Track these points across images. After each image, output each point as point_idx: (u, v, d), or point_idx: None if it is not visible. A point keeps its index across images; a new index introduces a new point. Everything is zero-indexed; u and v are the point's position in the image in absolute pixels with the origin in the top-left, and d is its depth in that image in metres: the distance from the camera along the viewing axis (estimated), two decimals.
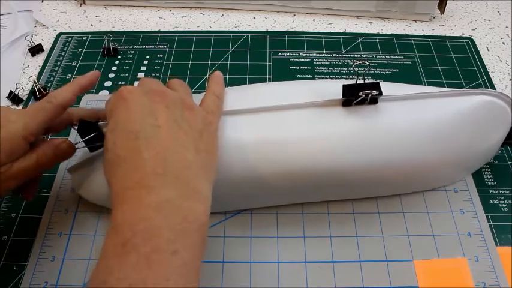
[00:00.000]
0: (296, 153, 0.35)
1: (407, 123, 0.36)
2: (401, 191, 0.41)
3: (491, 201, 0.42)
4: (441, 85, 0.52)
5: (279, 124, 0.36)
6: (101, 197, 0.39)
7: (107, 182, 0.28)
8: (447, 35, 0.59)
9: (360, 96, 0.35)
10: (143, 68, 0.54)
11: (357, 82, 0.36)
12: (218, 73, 0.38)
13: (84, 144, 0.36)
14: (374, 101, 0.36)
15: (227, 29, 0.60)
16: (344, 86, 0.36)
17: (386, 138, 0.36)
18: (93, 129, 0.35)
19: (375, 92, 0.35)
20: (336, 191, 0.39)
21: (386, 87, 0.36)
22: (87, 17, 0.62)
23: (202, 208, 0.27)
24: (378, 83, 0.36)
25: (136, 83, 0.52)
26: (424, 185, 0.41)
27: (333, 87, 0.37)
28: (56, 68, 0.55)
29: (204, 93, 0.36)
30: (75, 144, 0.36)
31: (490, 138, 0.40)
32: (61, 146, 0.34)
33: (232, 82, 0.52)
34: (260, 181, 0.36)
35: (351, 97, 0.36)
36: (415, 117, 0.37)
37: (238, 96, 0.38)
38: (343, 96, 0.36)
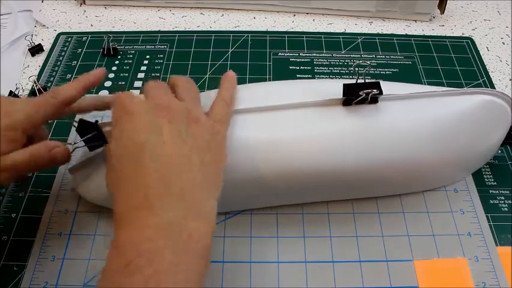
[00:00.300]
0: (296, 152, 0.35)
1: (407, 122, 0.37)
2: (402, 191, 0.41)
3: (491, 201, 0.42)
4: (441, 85, 0.52)
5: (279, 123, 0.36)
6: (101, 197, 0.39)
7: (109, 193, 0.28)
8: (447, 35, 0.59)
9: (361, 95, 0.35)
10: (143, 68, 0.54)
11: (357, 82, 0.36)
12: (231, 74, 0.38)
13: (83, 144, 0.36)
14: (374, 100, 0.36)
15: (227, 29, 0.60)
16: (344, 85, 0.36)
17: (387, 138, 0.36)
18: (92, 129, 0.35)
19: (375, 91, 0.35)
20: (337, 190, 0.39)
21: (387, 87, 0.36)
22: (87, 17, 0.62)
23: (206, 228, 0.27)
24: (378, 82, 0.36)
25: (138, 84, 0.52)
26: (424, 184, 0.41)
27: (333, 87, 0.37)
28: (56, 68, 0.55)
29: (212, 90, 0.36)
30: (74, 143, 0.36)
31: (490, 138, 0.40)
32: (55, 151, 0.33)
33: None
34: (260, 181, 0.36)
35: (352, 96, 0.36)
36: (415, 117, 0.37)
37: (239, 96, 0.38)
38: (343, 96, 0.36)
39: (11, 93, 0.51)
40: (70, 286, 0.36)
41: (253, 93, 0.38)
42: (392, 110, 0.37)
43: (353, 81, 0.36)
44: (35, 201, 0.42)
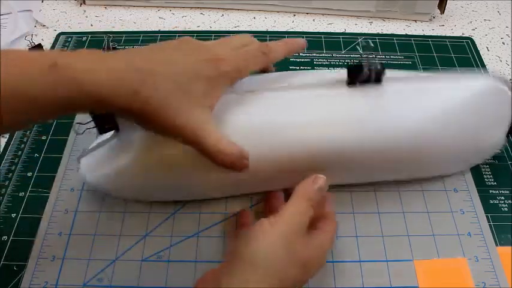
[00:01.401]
0: (300, 133, 0.35)
1: (412, 101, 0.37)
2: (404, 174, 0.41)
3: (491, 201, 0.42)
4: None
5: (285, 104, 0.36)
6: (109, 185, 0.38)
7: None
8: (447, 35, 0.59)
9: (364, 69, 0.35)
10: None
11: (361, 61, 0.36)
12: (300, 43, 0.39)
13: (93, 125, 0.35)
14: (378, 80, 0.36)
15: (227, 29, 0.60)
16: (348, 65, 0.37)
17: (391, 116, 0.36)
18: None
19: (377, 63, 0.35)
20: (338, 171, 0.38)
21: (390, 73, 0.37)
22: (87, 17, 0.62)
23: None
24: (381, 62, 0.36)
25: None
26: (427, 169, 0.41)
27: (337, 73, 0.38)
28: None
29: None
30: (85, 124, 0.35)
31: (495, 122, 0.39)
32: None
33: None
34: (261, 163, 0.35)
35: (355, 73, 0.36)
36: (419, 96, 0.37)
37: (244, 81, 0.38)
38: (348, 75, 0.36)
39: None
40: (70, 286, 0.36)
41: (254, 80, 0.38)
42: (396, 90, 0.37)
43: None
44: (35, 201, 0.42)
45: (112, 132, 0.36)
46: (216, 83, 0.32)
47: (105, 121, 0.35)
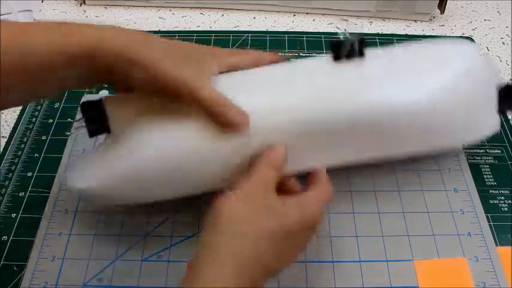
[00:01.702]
0: (293, 111, 0.35)
1: (398, 72, 0.36)
2: (397, 148, 0.39)
3: (491, 201, 0.42)
4: None
5: (272, 81, 0.36)
6: (105, 191, 0.36)
7: None
8: (447, 35, 0.59)
9: (345, 42, 0.36)
10: None
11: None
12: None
13: (84, 124, 0.34)
14: (361, 52, 0.37)
15: (227, 29, 0.60)
16: (331, 41, 0.37)
17: (378, 83, 0.36)
18: (96, 108, 0.33)
19: (358, 36, 0.36)
20: (332, 146, 0.37)
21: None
22: (87, 17, 0.62)
23: None
24: (360, 35, 0.37)
25: None
26: (419, 142, 0.39)
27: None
28: None
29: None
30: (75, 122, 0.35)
31: (485, 92, 0.38)
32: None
33: None
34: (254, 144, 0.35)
35: (338, 47, 0.36)
36: (405, 67, 0.37)
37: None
38: (332, 49, 0.37)
39: None
40: (70, 286, 0.37)
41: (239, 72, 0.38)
42: (381, 57, 0.37)
43: None
44: (35, 201, 0.42)
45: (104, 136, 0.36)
46: (209, 62, 0.35)
47: (96, 122, 0.34)
